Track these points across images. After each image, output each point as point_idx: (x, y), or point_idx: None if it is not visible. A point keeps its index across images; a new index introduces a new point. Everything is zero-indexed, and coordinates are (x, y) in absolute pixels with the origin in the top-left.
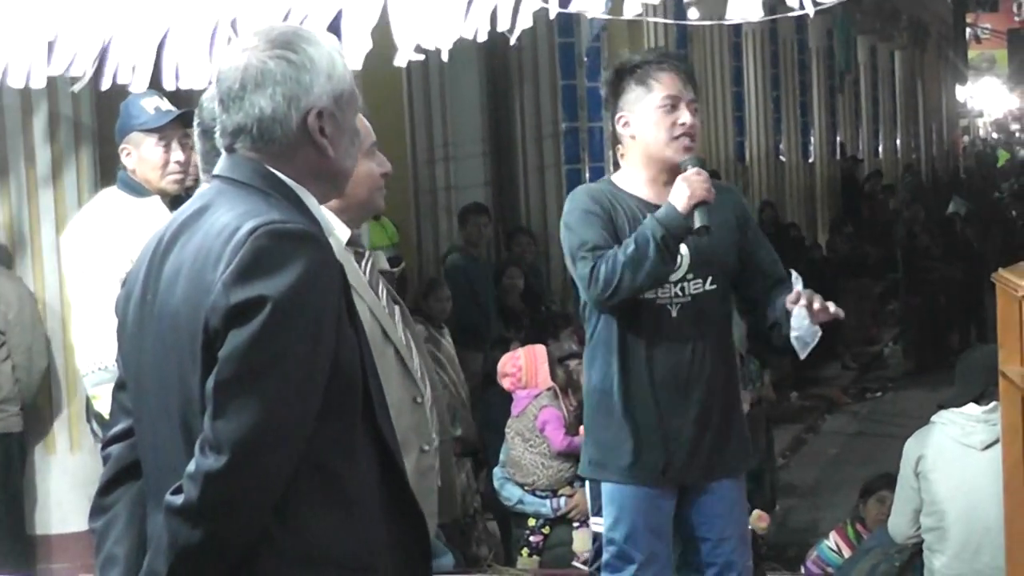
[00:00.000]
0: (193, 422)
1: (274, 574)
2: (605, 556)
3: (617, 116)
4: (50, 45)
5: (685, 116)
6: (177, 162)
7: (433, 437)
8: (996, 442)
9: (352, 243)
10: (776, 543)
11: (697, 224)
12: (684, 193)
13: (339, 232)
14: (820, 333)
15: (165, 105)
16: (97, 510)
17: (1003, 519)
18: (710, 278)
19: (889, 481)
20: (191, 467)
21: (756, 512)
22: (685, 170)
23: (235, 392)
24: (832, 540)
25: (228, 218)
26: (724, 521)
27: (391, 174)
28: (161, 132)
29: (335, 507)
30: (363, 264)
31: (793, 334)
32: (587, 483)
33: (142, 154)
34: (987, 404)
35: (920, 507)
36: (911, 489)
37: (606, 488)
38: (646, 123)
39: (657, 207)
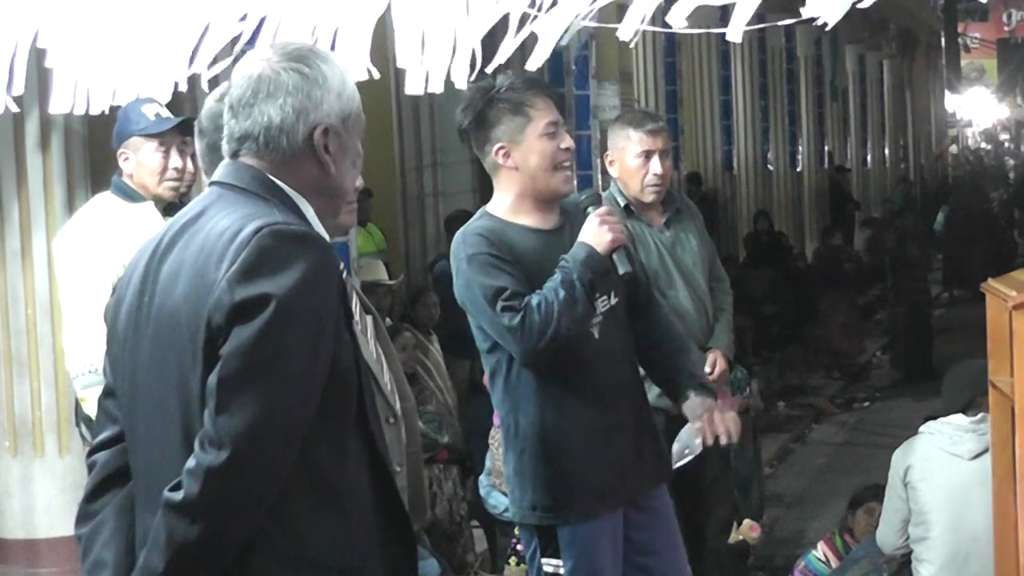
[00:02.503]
0: (193, 421)
1: (267, 574)
2: None
3: (495, 148)
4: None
5: (567, 140)
6: (175, 168)
7: (403, 457)
8: (984, 452)
9: None
10: (763, 552)
11: (620, 271)
12: (606, 237)
13: None
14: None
15: (165, 112)
16: (83, 516)
17: (992, 529)
18: (612, 292)
19: (877, 492)
20: (191, 463)
21: (747, 522)
22: (584, 209)
23: (238, 388)
24: (820, 550)
25: (229, 220)
26: (668, 531)
27: (360, 189)
28: (161, 138)
29: (327, 509)
30: None
31: (676, 447)
32: (531, 528)
33: (140, 159)
34: (975, 414)
35: (908, 517)
36: (899, 499)
37: (564, 531)
38: (530, 153)
39: (544, 232)
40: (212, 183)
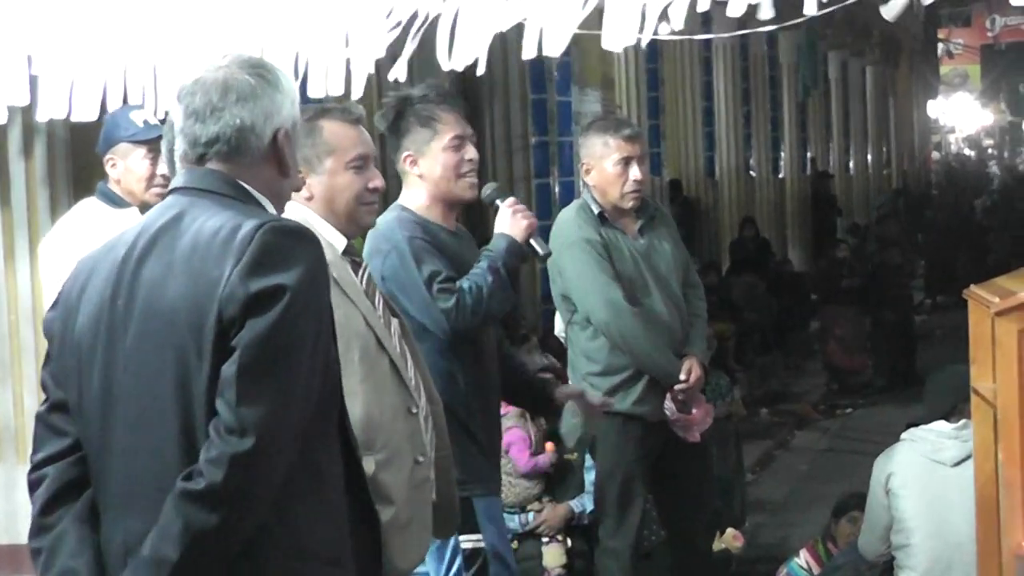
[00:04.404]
0: (193, 415)
1: (271, 564)
2: (495, 568)
3: (403, 155)
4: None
5: (471, 152)
6: (163, 175)
7: (428, 449)
8: (967, 458)
9: (348, 252)
10: (745, 559)
11: (542, 252)
12: (521, 224)
13: (335, 241)
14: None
15: (153, 119)
16: (39, 529)
17: (974, 536)
18: None
19: (861, 501)
20: (212, 453)
21: (730, 531)
22: (492, 203)
23: (257, 377)
24: (802, 557)
25: (219, 221)
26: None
27: (381, 189)
28: (149, 145)
29: (318, 501)
30: (360, 274)
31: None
32: None
33: (128, 165)
34: (957, 421)
35: (890, 524)
36: (881, 507)
37: (480, 505)
38: (435, 163)
39: (455, 234)
40: (179, 189)
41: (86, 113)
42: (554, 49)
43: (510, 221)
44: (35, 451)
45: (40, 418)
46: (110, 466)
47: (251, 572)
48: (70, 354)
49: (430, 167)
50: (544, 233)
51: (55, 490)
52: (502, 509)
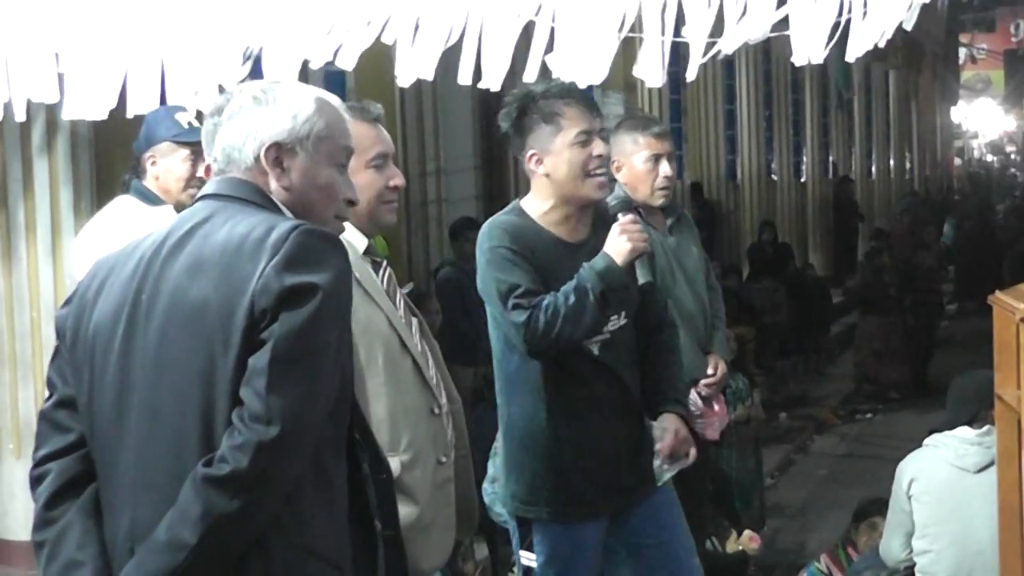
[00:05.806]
0: (214, 403)
1: (278, 555)
2: None
3: (528, 154)
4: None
5: (599, 147)
6: (199, 177)
7: (450, 448)
8: (990, 465)
9: (369, 252)
10: (764, 564)
11: (641, 281)
12: (624, 247)
13: (356, 241)
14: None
15: (196, 122)
16: (43, 523)
17: (996, 542)
18: (623, 313)
19: (882, 507)
20: (237, 439)
21: (747, 533)
22: (614, 216)
23: (287, 368)
24: (823, 562)
25: (250, 223)
26: (666, 523)
27: (401, 187)
28: (192, 147)
29: (326, 504)
30: (380, 274)
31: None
32: (516, 519)
33: (169, 164)
34: (980, 427)
35: (912, 530)
36: (903, 513)
37: (537, 528)
38: (560, 161)
39: (568, 244)
40: (210, 195)
41: (107, 111)
42: (596, 77)
43: (614, 241)
44: (38, 447)
45: (44, 414)
46: (121, 458)
47: (259, 562)
48: (83, 349)
49: (556, 165)
50: None
51: (59, 485)
52: (597, 531)
